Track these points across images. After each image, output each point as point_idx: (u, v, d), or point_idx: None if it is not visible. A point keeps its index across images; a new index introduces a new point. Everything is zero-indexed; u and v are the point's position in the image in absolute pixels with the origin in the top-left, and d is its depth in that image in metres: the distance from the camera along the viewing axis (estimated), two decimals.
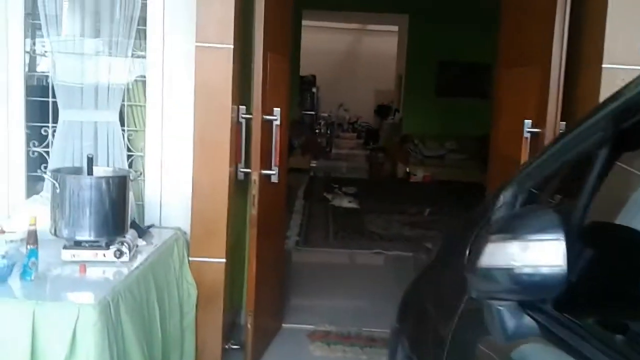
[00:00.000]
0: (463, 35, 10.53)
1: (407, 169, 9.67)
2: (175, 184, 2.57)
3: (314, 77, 14.56)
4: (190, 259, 2.47)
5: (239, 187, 2.71)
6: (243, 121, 2.60)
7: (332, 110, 17.13)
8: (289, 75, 3.09)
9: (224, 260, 2.48)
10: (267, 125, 2.60)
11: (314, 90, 14.08)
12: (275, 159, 2.62)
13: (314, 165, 11.21)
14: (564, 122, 2.46)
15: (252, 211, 2.55)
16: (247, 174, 2.63)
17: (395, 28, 15.26)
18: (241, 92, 2.64)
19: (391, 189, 8.61)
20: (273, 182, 2.63)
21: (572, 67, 2.51)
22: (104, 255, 2.02)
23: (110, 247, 2.03)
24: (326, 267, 4.62)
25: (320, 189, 8.27)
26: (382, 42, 18.05)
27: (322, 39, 17.98)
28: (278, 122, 2.58)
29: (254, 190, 2.54)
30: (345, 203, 6.92)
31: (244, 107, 2.60)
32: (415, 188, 8.81)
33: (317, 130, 13.61)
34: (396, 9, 11.25)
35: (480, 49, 10.62)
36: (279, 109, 2.59)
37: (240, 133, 2.60)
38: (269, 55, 2.60)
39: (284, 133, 2.87)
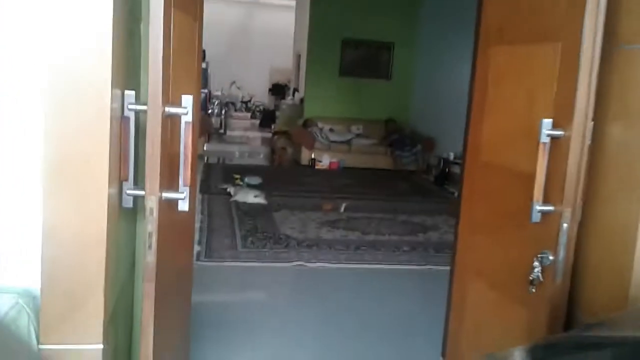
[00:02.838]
0: (367, 13, 9.93)
1: (312, 155, 8.93)
2: (13, 220, 1.54)
3: (203, 51, 13.27)
4: (42, 347, 1.48)
5: (125, 219, 1.74)
6: (131, 115, 1.62)
7: (223, 88, 15.92)
8: (201, 49, 2.13)
9: (100, 346, 1.51)
10: (171, 121, 1.65)
11: (203, 65, 12.80)
12: (184, 173, 1.68)
13: (208, 149, 10.11)
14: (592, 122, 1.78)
15: (147, 258, 1.60)
16: (138, 199, 1.67)
17: (292, 3, 14.37)
18: (127, 70, 1.66)
19: (298, 178, 7.82)
20: (181, 211, 1.70)
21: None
22: None
23: None
24: (238, 289, 3.72)
25: (219, 179, 7.27)
26: (277, 17, 17.06)
27: (210, 10, 16.61)
28: (189, 117, 1.64)
29: (151, 224, 1.59)
30: (251, 198, 6.01)
31: (132, 92, 1.62)
32: (322, 176, 8.09)
33: (210, 111, 12.42)
34: None
35: (384, 27, 10.12)
36: (190, 96, 1.65)
37: (126, 134, 1.61)
38: (176, 14, 1.64)
39: (196, 133, 1.93)
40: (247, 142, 12.06)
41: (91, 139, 1.49)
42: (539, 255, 1.86)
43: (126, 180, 1.66)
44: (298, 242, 4.61)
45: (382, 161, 9.09)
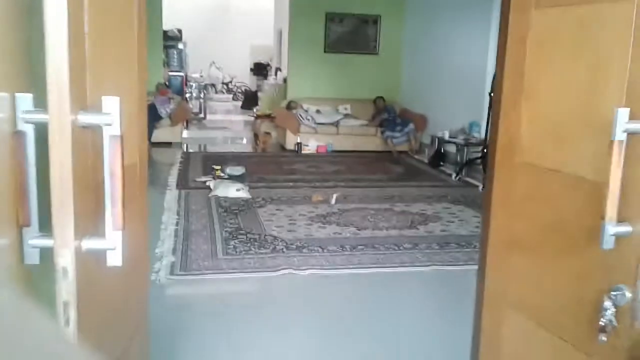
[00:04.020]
0: None
1: (298, 139, 8.37)
2: None
3: (179, 31, 12.55)
4: None
5: (30, 284, 1.20)
6: (28, 129, 1.07)
7: (202, 69, 15.20)
8: (144, 23, 1.57)
9: None
10: (88, 136, 1.10)
11: (180, 46, 12.10)
12: (113, 212, 1.14)
13: (187, 136, 9.51)
14: None
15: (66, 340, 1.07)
16: (47, 252, 1.13)
17: None
18: (20, 62, 1.11)
19: (283, 166, 7.28)
20: (112, 267, 1.16)
21: None
22: None
23: None
24: (219, 314, 3.20)
25: (198, 170, 6.71)
26: None
27: None
28: (115, 128, 1.10)
29: (65, 291, 1.06)
30: (233, 192, 5.47)
31: (27, 96, 1.07)
32: (310, 162, 7.55)
33: (187, 94, 11.75)
34: None
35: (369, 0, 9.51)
36: (115, 98, 1.11)
37: (22, 156, 1.07)
38: None
39: (136, 148, 1.40)
40: (229, 126, 11.45)
41: None
42: (612, 293, 1.37)
43: (27, 225, 1.12)
44: (286, 244, 4.09)
45: (372, 142, 8.57)
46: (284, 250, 3.97)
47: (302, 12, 9.33)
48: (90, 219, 1.14)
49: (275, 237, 4.24)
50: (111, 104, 1.10)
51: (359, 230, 4.53)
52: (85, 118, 1.07)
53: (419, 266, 3.77)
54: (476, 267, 3.68)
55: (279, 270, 3.61)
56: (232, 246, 4.01)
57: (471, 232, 4.55)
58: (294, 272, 3.59)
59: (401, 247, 4.11)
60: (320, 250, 3.99)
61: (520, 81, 1.81)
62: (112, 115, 1.09)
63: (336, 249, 4.04)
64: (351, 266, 3.73)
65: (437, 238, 4.36)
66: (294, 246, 4.05)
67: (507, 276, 1.82)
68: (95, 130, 1.11)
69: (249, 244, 4.06)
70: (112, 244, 1.14)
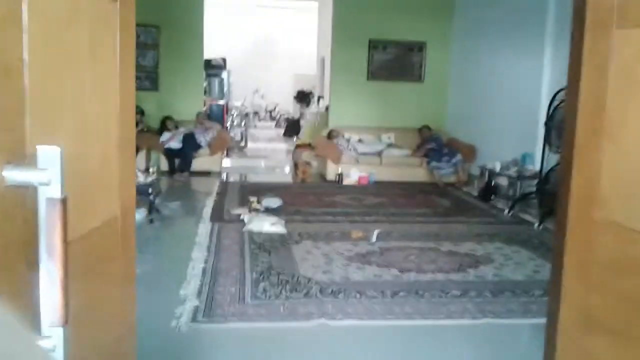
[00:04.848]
0: (395, 10, 9.05)
1: (339, 169, 8.07)
2: None
3: (223, 60, 12.57)
4: None
5: None
6: None
7: (246, 97, 15.21)
8: (132, 49, 1.30)
9: None
10: (22, 199, 0.82)
11: (223, 76, 12.10)
12: (54, 300, 0.85)
13: (227, 165, 9.36)
14: None
15: None
16: None
17: (316, 4, 13.59)
18: None
19: (322, 198, 6.97)
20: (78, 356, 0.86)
21: None
22: None
23: None
24: None
25: (234, 201, 6.48)
26: (300, 19, 16.30)
27: (231, 17, 15.94)
28: (56, 191, 0.81)
29: None
30: (267, 227, 5.18)
31: None
32: (351, 194, 7.21)
33: (228, 123, 11.68)
34: None
35: (414, 25, 9.21)
36: (56, 148, 0.82)
37: None
38: None
39: (117, 198, 1.12)
40: (269, 154, 11.27)
41: None
42: None
43: None
44: (321, 287, 3.75)
45: (417, 174, 8.17)
46: (318, 294, 3.63)
47: (345, 39, 9.13)
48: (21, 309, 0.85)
49: (309, 279, 3.90)
50: (50, 156, 0.81)
51: (401, 272, 4.14)
52: (13, 175, 0.78)
53: (470, 319, 3.35)
54: (534, 321, 3.23)
55: (312, 319, 3.26)
56: (261, 289, 3.70)
57: (528, 277, 4.10)
58: (327, 322, 3.24)
59: (448, 294, 3.70)
60: (357, 295, 3.63)
61: (600, 117, 1.44)
62: (49, 171, 0.80)
63: (375, 294, 3.66)
64: (391, 317, 3.34)
65: (489, 285, 3.92)
66: (329, 290, 3.70)
67: None
68: (22, 195, 0.82)
69: (280, 287, 3.74)
70: (49, 344, 0.84)
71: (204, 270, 4.02)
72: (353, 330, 3.18)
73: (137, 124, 8.47)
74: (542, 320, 3.32)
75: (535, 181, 6.08)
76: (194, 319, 3.21)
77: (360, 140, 8.56)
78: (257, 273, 4.01)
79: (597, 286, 1.41)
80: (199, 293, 3.58)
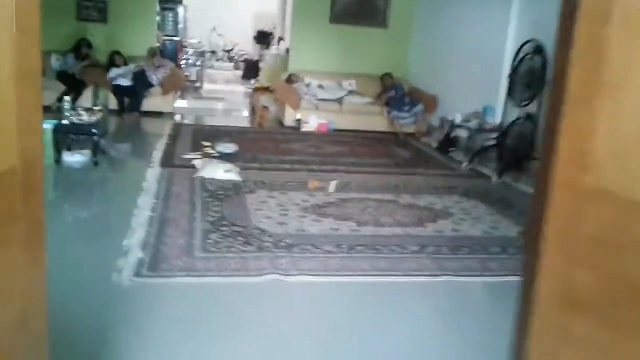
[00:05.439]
0: None
1: (298, 115, 7.80)
2: None
3: None
4: None
5: None
6: None
7: (202, 35, 14.50)
8: None
9: None
10: None
11: (179, 10, 11.39)
12: None
13: (181, 106, 8.93)
14: None
15: None
16: None
17: None
18: None
19: (280, 145, 6.72)
20: None
21: None
22: None
23: None
24: (185, 332, 2.69)
25: (186, 145, 6.17)
26: None
27: None
28: None
29: None
30: (221, 173, 4.93)
31: None
32: (309, 141, 6.99)
33: (183, 61, 11.11)
34: None
35: None
36: None
37: None
38: None
39: (14, 146, 0.87)
40: (226, 97, 10.83)
41: None
42: None
43: None
44: (275, 240, 3.57)
45: (377, 122, 7.99)
46: (272, 248, 3.45)
47: None
48: None
49: (262, 231, 3.72)
50: None
51: (358, 225, 4.00)
52: None
53: (428, 276, 3.26)
54: (495, 279, 3.16)
55: (264, 274, 3.09)
56: (212, 240, 3.50)
57: (486, 233, 4.04)
58: (280, 278, 3.08)
59: (407, 250, 3.59)
60: (312, 249, 3.48)
61: (598, 70, 1.25)
62: None
63: (332, 248, 3.52)
64: (347, 273, 3.21)
65: (447, 240, 3.83)
66: (283, 243, 3.53)
67: (563, 347, 1.30)
68: None
69: (231, 238, 3.54)
70: None
71: (150, 219, 3.77)
72: (307, 287, 3.04)
73: (84, 58, 7.91)
74: (500, 279, 3.28)
75: (495, 134, 6.00)
76: (137, 272, 2.99)
77: (320, 86, 8.27)
78: (207, 223, 3.79)
79: (582, 261, 1.26)
80: (144, 244, 3.34)
